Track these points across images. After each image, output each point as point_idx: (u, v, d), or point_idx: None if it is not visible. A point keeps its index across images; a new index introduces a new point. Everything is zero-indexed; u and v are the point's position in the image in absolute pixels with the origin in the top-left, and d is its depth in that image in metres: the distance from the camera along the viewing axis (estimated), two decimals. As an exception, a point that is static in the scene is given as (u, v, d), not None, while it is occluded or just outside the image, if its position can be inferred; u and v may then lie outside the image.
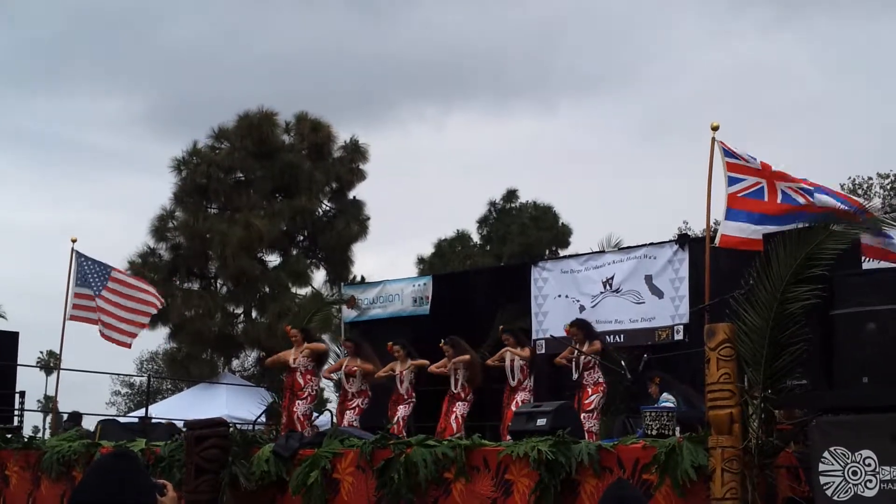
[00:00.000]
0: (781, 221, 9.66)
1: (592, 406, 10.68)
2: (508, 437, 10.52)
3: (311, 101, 72.43)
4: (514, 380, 11.46)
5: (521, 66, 75.24)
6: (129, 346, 14.62)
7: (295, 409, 11.83)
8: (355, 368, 12.10)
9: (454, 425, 11.24)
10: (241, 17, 68.85)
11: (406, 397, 11.93)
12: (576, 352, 11.05)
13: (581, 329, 11.30)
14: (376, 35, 73.89)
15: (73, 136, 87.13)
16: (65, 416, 16.60)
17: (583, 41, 75.77)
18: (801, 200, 9.82)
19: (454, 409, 11.46)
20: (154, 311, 15.00)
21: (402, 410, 11.79)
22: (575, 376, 11.02)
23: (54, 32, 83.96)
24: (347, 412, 11.89)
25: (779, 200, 10.08)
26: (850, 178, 29.36)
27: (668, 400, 10.62)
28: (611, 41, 72.26)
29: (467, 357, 11.68)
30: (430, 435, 9.64)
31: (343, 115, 70.74)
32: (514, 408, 11.01)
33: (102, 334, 14.37)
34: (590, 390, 10.85)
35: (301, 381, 11.97)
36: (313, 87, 66.71)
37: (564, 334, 11.79)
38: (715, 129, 10.31)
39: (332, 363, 13.22)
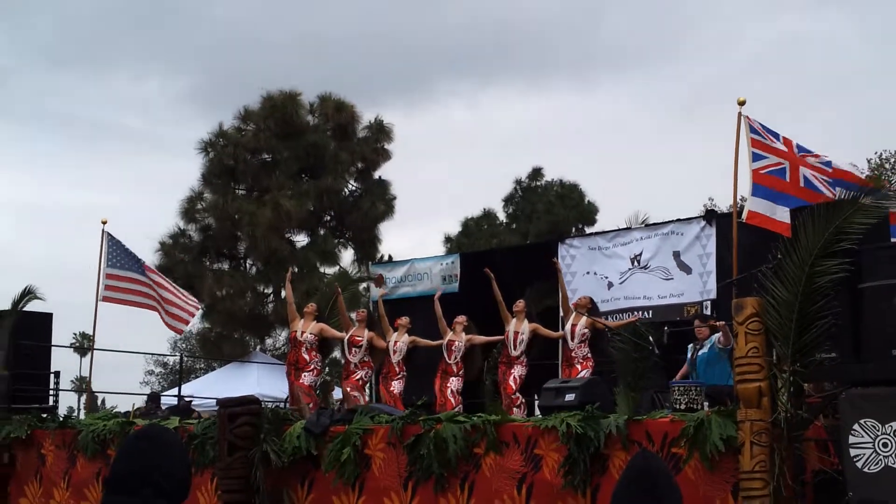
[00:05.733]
0: (804, 203, 9.59)
1: None
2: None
3: (348, 79, 71.91)
4: (516, 349, 11.40)
5: (563, 40, 74.36)
6: (181, 331, 15.61)
7: (301, 382, 11.88)
8: (359, 338, 12.07)
9: (453, 400, 11.28)
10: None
11: (398, 371, 11.90)
12: (584, 320, 11.06)
13: (592, 303, 11.55)
14: (415, 12, 73.32)
15: (107, 117, 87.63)
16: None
17: (628, 13, 74.74)
18: (825, 192, 9.74)
19: (448, 385, 11.48)
20: (191, 318, 15.31)
21: (396, 386, 11.77)
22: (571, 345, 11.12)
23: (92, 12, 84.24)
24: (349, 387, 11.79)
25: (801, 184, 10.02)
26: (876, 152, 28.88)
27: None
28: (657, 14, 71.15)
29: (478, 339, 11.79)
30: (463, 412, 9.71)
31: (381, 93, 70.19)
32: (511, 383, 11.13)
33: (165, 314, 14.64)
34: (579, 366, 10.92)
35: (306, 357, 12.03)
36: (351, 66, 66.26)
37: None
38: (741, 104, 10.24)
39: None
